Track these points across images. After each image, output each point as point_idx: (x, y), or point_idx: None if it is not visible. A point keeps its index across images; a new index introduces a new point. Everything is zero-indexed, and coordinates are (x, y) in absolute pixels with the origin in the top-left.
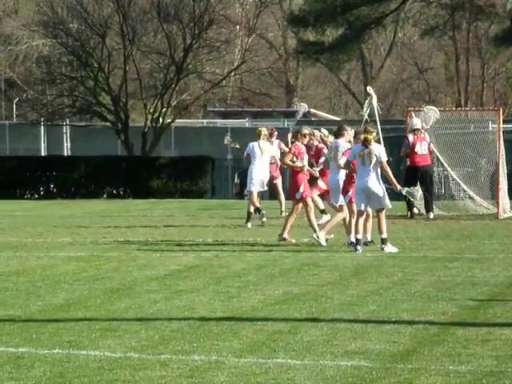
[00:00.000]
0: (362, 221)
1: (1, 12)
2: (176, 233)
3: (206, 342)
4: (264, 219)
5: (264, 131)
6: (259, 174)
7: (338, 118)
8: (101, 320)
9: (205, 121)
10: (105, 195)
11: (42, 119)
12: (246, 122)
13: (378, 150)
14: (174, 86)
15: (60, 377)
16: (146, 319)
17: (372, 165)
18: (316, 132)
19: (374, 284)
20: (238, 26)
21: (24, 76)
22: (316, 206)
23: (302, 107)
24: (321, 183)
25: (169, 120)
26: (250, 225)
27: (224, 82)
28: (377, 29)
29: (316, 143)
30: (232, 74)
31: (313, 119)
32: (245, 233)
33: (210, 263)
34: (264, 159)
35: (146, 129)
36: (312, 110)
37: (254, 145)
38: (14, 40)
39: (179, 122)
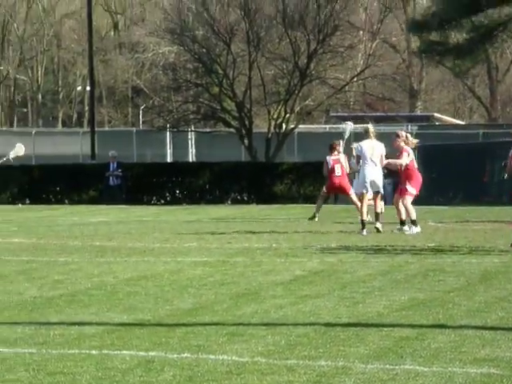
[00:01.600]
0: None
1: (128, 20)
2: (300, 238)
3: (333, 347)
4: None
5: (371, 128)
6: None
7: (462, 123)
8: (228, 324)
9: (327, 126)
10: (229, 201)
11: (168, 125)
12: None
13: None
14: (297, 91)
15: (189, 381)
16: (272, 324)
17: None
18: (402, 133)
19: (502, 290)
20: (361, 32)
21: (150, 83)
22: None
23: (348, 126)
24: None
25: (292, 126)
26: (365, 232)
27: (347, 87)
28: (504, 32)
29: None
30: (355, 79)
31: (437, 124)
32: (369, 238)
33: (335, 269)
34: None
35: (270, 134)
36: (436, 115)
37: (361, 145)
38: (141, 48)
39: (302, 127)
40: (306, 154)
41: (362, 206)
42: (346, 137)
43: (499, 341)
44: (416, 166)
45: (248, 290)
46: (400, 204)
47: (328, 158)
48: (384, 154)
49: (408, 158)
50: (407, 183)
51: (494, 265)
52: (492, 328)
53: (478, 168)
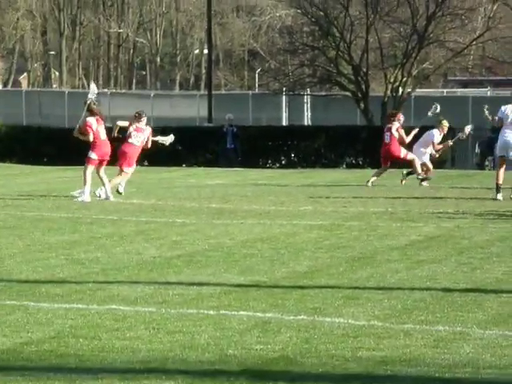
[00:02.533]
0: None
1: None
2: (416, 203)
3: (450, 312)
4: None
5: None
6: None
7: None
8: (343, 288)
9: (445, 90)
10: (344, 165)
11: (284, 89)
12: (487, 91)
13: None
14: (415, 55)
15: (306, 343)
16: (387, 288)
17: None
18: None
19: None
20: None
21: (267, 46)
22: None
23: (437, 107)
24: None
25: (409, 90)
26: (499, 196)
27: (466, 50)
28: None
29: None
30: (474, 42)
31: None
32: (487, 203)
33: (452, 234)
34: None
35: (386, 98)
36: None
37: (506, 108)
38: (258, 11)
39: (419, 91)
40: (422, 118)
41: (499, 170)
42: (429, 115)
43: None
44: None
45: (363, 254)
46: None
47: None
48: None
49: None
50: None
51: None
52: None
53: None
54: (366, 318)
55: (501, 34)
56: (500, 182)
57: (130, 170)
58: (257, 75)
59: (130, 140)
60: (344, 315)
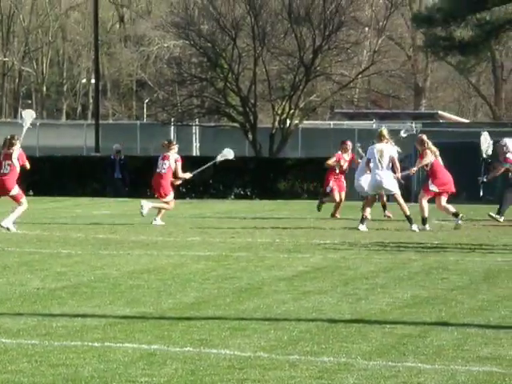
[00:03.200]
0: None
1: (134, 13)
2: (303, 234)
3: (335, 343)
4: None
5: (384, 131)
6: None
7: (466, 121)
8: (230, 319)
9: (332, 122)
10: (232, 195)
11: (172, 119)
12: (373, 124)
13: None
14: (302, 87)
15: (192, 374)
16: (274, 319)
17: None
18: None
19: (505, 289)
20: (367, 28)
21: (155, 77)
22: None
23: (406, 129)
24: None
25: (296, 121)
26: (415, 227)
27: (352, 83)
28: (510, 30)
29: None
30: (360, 75)
31: (441, 121)
32: (372, 235)
33: (338, 265)
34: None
35: (274, 130)
36: (440, 112)
37: (374, 147)
38: (146, 41)
39: (306, 123)
40: (309, 150)
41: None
42: (402, 135)
43: (502, 339)
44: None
45: (251, 285)
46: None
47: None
48: (395, 156)
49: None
50: (430, 181)
51: (497, 263)
52: (495, 326)
53: (481, 166)
54: (252, 349)
55: (385, 67)
56: (426, 214)
57: (167, 198)
58: (145, 105)
59: (157, 169)
60: (230, 346)
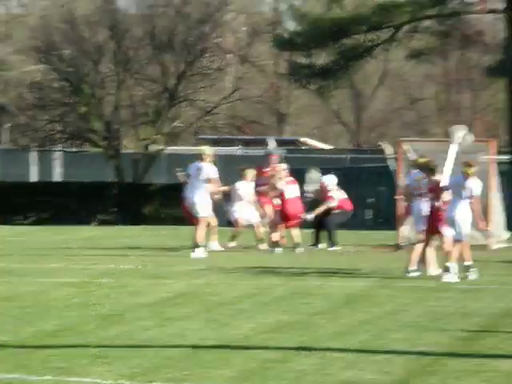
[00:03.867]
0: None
1: None
2: (167, 260)
3: (198, 370)
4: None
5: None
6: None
7: (329, 147)
8: (92, 346)
9: (196, 148)
10: (96, 221)
11: (34, 145)
12: (237, 150)
13: None
14: (166, 113)
15: None
16: (136, 346)
17: None
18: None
19: (365, 313)
20: (230, 55)
21: (16, 101)
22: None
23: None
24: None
25: (160, 147)
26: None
27: (216, 109)
28: (368, 58)
29: None
30: (224, 101)
31: (304, 147)
32: (237, 260)
33: (202, 290)
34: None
35: (138, 155)
36: (302, 139)
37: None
38: (6, 66)
39: (171, 149)
40: (174, 175)
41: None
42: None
43: (362, 363)
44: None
45: (113, 312)
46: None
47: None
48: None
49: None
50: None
51: (358, 288)
52: (355, 350)
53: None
54: (114, 376)
55: (249, 94)
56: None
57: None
58: (6, 130)
59: None
60: (91, 374)
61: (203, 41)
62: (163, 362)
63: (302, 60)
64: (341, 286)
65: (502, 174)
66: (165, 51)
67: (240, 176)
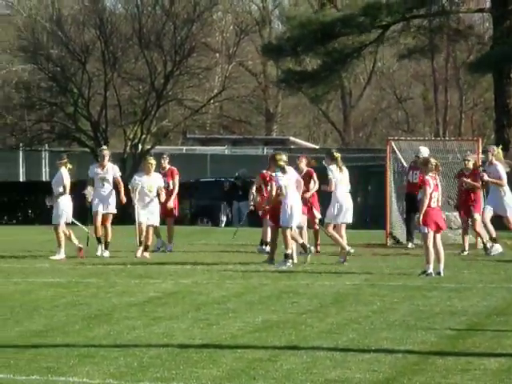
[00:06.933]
0: None
1: None
2: (154, 259)
3: (186, 369)
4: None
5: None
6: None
7: (316, 146)
8: (79, 346)
9: (184, 147)
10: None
11: (21, 144)
12: (225, 150)
13: None
14: (153, 112)
15: None
16: (124, 346)
17: None
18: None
19: (353, 312)
20: (218, 54)
21: (3, 101)
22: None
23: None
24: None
25: (148, 146)
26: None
27: (204, 109)
28: (357, 59)
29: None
30: (212, 101)
31: (292, 147)
32: (225, 259)
33: (189, 290)
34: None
35: (126, 155)
36: (291, 138)
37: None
38: None
39: (158, 148)
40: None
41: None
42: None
43: (349, 362)
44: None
45: (101, 312)
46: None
47: None
48: None
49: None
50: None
51: (345, 287)
52: (343, 349)
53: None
54: (102, 376)
55: (237, 93)
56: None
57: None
58: None
59: None
60: (79, 374)
61: (191, 40)
62: (151, 361)
63: (291, 66)
64: (328, 286)
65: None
66: (152, 50)
67: None
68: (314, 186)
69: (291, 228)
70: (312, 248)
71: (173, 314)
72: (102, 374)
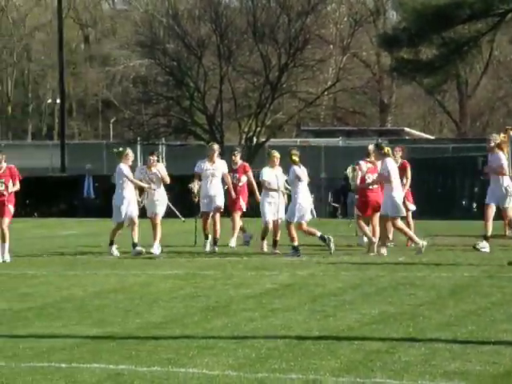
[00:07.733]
0: None
1: (99, 33)
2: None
3: (303, 360)
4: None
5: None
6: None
7: (432, 137)
8: (198, 338)
9: (298, 139)
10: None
11: (139, 138)
12: (339, 141)
13: None
14: (268, 105)
15: None
16: (242, 337)
17: None
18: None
19: (471, 304)
20: (332, 46)
21: (121, 96)
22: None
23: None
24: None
25: (263, 139)
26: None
27: (318, 100)
28: (474, 49)
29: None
30: (326, 92)
31: (407, 137)
32: (340, 251)
33: (306, 282)
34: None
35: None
36: (406, 129)
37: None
38: (112, 61)
39: (273, 141)
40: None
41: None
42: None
43: (469, 354)
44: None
45: (218, 304)
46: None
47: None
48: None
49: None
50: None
51: (463, 279)
52: (462, 342)
53: (447, 182)
54: (221, 367)
55: (351, 84)
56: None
57: None
58: (111, 125)
59: None
60: (198, 365)
61: (305, 32)
62: (269, 352)
63: (406, 53)
64: (445, 277)
65: None
66: (267, 43)
67: None
68: (407, 181)
69: (302, 223)
70: (331, 237)
71: (290, 306)
72: (221, 365)
